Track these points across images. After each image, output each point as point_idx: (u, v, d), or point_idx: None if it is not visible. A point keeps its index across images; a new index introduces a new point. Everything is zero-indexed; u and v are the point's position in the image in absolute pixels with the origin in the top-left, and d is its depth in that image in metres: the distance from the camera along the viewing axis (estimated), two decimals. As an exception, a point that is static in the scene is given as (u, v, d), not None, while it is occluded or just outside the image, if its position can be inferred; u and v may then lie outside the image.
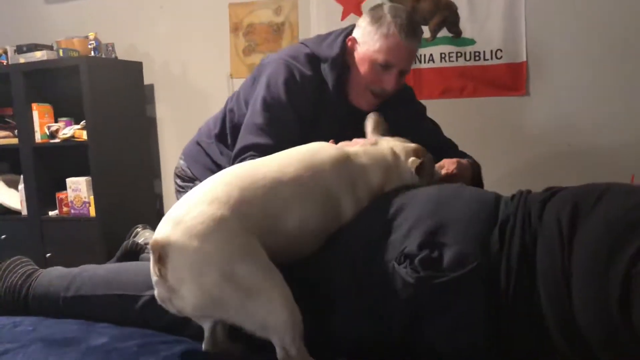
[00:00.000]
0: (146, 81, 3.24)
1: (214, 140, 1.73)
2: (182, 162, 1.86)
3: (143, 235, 1.83)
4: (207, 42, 3.11)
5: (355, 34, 1.55)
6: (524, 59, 2.52)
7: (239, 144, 1.51)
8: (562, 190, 0.99)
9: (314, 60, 1.55)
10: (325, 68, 1.54)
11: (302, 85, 1.51)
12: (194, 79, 3.19)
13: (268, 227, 0.96)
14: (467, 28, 2.60)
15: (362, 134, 1.37)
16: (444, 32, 2.64)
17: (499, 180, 2.61)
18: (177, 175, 1.87)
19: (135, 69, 3.19)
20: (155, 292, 0.93)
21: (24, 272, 1.23)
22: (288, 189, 1.00)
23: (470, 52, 2.61)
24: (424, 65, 2.69)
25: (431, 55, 2.67)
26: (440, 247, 0.93)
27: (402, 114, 1.64)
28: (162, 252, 0.87)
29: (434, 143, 1.54)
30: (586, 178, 2.37)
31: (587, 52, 2.43)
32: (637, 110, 2.37)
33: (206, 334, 0.99)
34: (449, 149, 1.74)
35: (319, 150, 1.11)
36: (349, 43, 1.55)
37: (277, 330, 0.88)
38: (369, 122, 1.35)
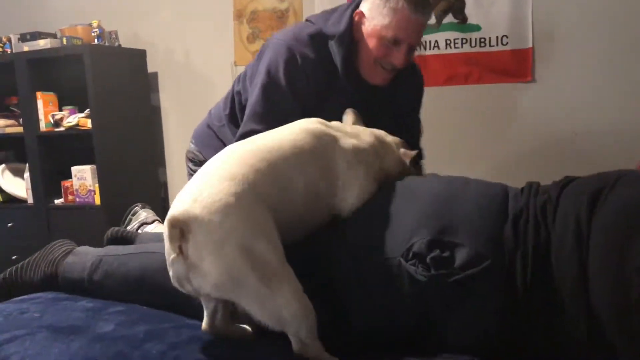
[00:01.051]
0: (150, 69, 3.24)
1: (225, 122, 1.71)
2: (193, 145, 1.84)
3: (142, 215, 1.83)
4: (210, 29, 3.09)
5: (363, 7, 1.51)
6: (530, 45, 2.50)
7: (240, 131, 1.51)
8: (573, 182, 0.97)
9: (319, 38, 1.52)
10: (332, 45, 1.50)
11: (303, 68, 1.48)
12: (198, 67, 3.18)
13: (279, 200, 0.98)
14: (472, 14, 2.57)
15: (374, 111, 1.40)
16: (449, 18, 2.61)
17: (504, 166, 2.61)
18: (190, 159, 1.85)
19: (138, 56, 3.18)
20: (171, 272, 0.92)
21: (62, 252, 1.28)
22: (291, 159, 1.03)
23: (475, 39, 2.58)
24: (429, 52, 2.66)
25: (436, 41, 2.64)
26: (452, 247, 0.92)
27: (408, 100, 1.65)
28: (185, 228, 0.87)
29: (412, 133, 1.63)
30: (592, 165, 2.36)
31: (594, 38, 2.40)
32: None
33: (206, 312, 0.99)
34: (417, 139, 1.73)
35: (310, 122, 1.15)
36: (356, 17, 1.50)
37: (292, 321, 0.88)
38: (348, 118, 1.35)
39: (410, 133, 1.61)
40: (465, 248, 0.91)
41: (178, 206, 0.91)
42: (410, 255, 0.93)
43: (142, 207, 1.83)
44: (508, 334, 0.90)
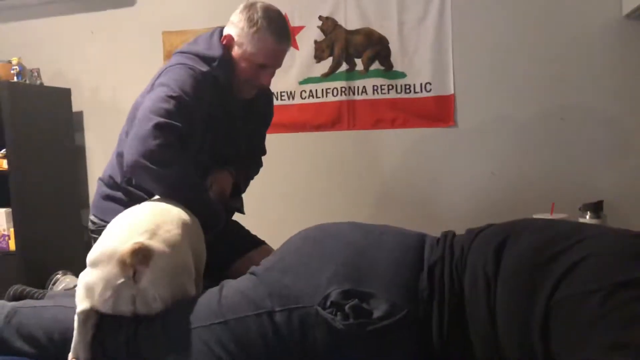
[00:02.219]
0: (75, 108, 3.12)
1: (124, 186, 1.66)
2: (96, 219, 1.75)
3: (64, 282, 1.75)
4: (140, 69, 3.03)
5: (230, 31, 1.63)
6: (452, 92, 2.64)
7: (150, 123, 1.40)
8: (484, 231, 1.00)
9: (202, 60, 1.62)
10: (215, 66, 1.61)
11: (202, 84, 1.56)
12: (126, 106, 3.05)
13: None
14: (398, 61, 2.69)
15: (250, 123, 1.77)
16: (376, 65, 2.72)
17: (426, 207, 2.70)
18: (95, 232, 1.75)
19: (62, 95, 3.07)
20: (112, 296, 1.03)
21: None
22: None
23: (401, 85, 2.70)
24: (357, 97, 2.75)
25: (364, 87, 2.74)
26: (368, 297, 0.93)
27: (259, 116, 1.87)
28: (146, 255, 1.03)
29: (256, 147, 1.92)
30: (510, 206, 2.50)
31: (510, 84, 2.57)
32: (558, 141, 2.52)
33: (83, 339, 1.06)
34: (256, 155, 1.96)
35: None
36: (224, 42, 1.63)
37: None
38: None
39: (258, 147, 1.93)
40: (381, 299, 0.92)
41: (129, 239, 1.05)
42: (328, 303, 0.93)
43: (64, 274, 1.74)
44: None
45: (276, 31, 1.58)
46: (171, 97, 1.45)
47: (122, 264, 1.02)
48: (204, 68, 1.58)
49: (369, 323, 0.90)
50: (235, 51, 1.62)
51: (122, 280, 1.02)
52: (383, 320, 0.90)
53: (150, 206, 1.29)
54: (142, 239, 1.05)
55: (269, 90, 1.91)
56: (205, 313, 1.02)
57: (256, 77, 1.64)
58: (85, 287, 1.07)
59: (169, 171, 1.38)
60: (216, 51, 1.62)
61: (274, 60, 1.64)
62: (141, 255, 1.02)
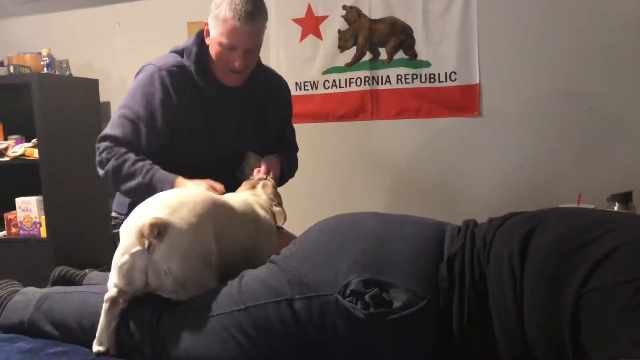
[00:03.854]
0: (102, 99, 3.18)
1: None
2: (115, 214, 1.90)
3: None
4: (165, 59, 3.08)
5: (209, 19, 1.66)
6: (477, 81, 2.60)
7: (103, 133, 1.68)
8: (508, 221, 0.99)
9: (180, 54, 1.69)
10: (187, 58, 1.67)
11: (162, 87, 1.63)
12: (152, 96, 3.14)
13: (221, 240, 1.20)
14: (422, 51, 2.67)
15: (234, 113, 1.73)
16: (400, 55, 2.70)
17: (450, 199, 2.68)
18: (115, 226, 1.85)
19: (90, 86, 3.13)
20: (127, 263, 1.08)
21: (8, 291, 1.26)
22: (236, 215, 1.31)
23: (425, 74, 2.67)
24: (381, 87, 2.74)
25: (388, 77, 2.72)
26: (388, 286, 0.93)
27: (278, 117, 1.92)
28: (162, 230, 1.06)
29: (289, 144, 1.96)
30: (535, 196, 2.46)
31: (537, 74, 2.53)
32: (586, 131, 2.47)
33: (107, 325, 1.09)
34: (287, 147, 1.97)
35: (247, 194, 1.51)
36: (205, 28, 1.67)
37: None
38: (250, 159, 1.72)
39: (288, 141, 1.95)
40: (401, 288, 0.92)
41: (153, 211, 1.10)
42: (348, 292, 0.93)
43: (90, 272, 1.79)
44: None
45: (235, 10, 1.56)
46: (123, 115, 1.64)
47: (140, 235, 1.06)
48: (176, 63, 1.66)
49: (389, 312, 0.90)
50: (209, 37, 1.65)
51: (137, 248, 1.07)
52: (403, 310, 0.90)
53: (185, 188, 1.43)
54: (163, 214, 1.09)
55: (284, 83, 1.93)
56: (226, 301, 1.04)
57: (228, 59, 1.63)
58: (113, 264, 1.11)
59: (104, 172, 1.62)
60: (188, 43, 1.69)
61: (237, 40, 1.60)
62: (157, 229, 1.05)
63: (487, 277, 0.91)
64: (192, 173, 1.57)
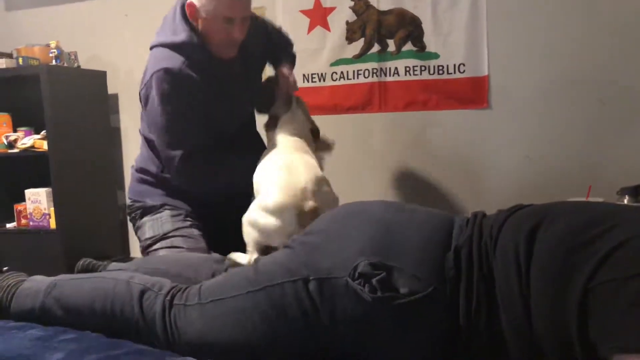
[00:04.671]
0: (110, 90, 3.19)
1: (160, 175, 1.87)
2: (130, 201, 1.96)
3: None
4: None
5: (193, 1, 1.66)
6: (486, 73, 2.59)
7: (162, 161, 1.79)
8: (515, 213, 0.99)
9: (174, 50, 1.69)
10: (186, 50, 1.67)
11: (181, 80, 1.65)
12: (160, 88, 3.14)
13: None
14: (431, 42, 2.65)
15: (241, 83, 1.82)
16: (408, 46, 2.68)
17: (457, 191, 2.67)
18: (131, 212, 1.94)
19: (98, 78, 3.14)
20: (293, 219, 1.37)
21: (8, 284, 1.26)
22: None
23: (434, 66, 2.66)
24: (389, 79, 2.72)
25: (396, 68, 2.71)
26: (395, 271, 0.93)
27: (263, 51, 1.95)
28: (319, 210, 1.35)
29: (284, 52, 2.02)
30: (544, 189, 2.45)
31: (547, 66, 2.51)
32: (596, 124, 2.45)
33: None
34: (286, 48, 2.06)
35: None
36: (189, 10, 1.67)
37: None
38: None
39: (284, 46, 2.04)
40: (409, 274, 0.93)
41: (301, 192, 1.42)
42: (356, 275, 0.94)
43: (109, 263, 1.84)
44: (447, 359, 0.91)
45: None
46: (164, 111, 1.66)
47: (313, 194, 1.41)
48: (178, 60, 1.66)
49: (396, 297, 0.91)
50: (201, 17, 1.66)
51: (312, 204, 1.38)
52: (410, 296, 0.91)
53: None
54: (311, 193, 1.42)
55: (257, 25, 1.91)
56: (242, 283, 1.05)
57: (228, 33, 1.67)
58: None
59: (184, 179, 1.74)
60: (182, 34, 1.68)
61: (234, 10, 1.64)
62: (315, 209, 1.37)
63: (494, 269, 0.91)
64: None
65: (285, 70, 1.87)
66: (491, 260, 0.92)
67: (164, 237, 1.76)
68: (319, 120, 2.78)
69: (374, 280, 0.92)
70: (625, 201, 2.01)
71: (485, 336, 0.89)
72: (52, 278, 1.27)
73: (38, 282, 1.26)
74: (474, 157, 2.65)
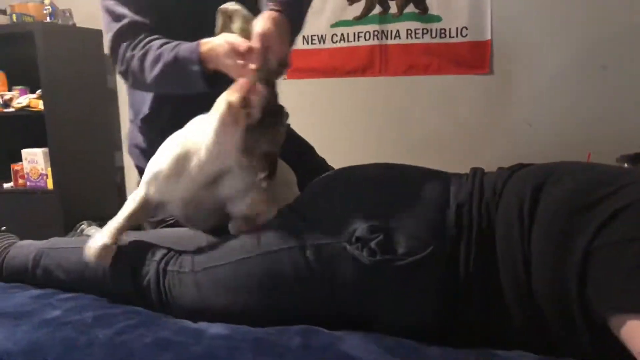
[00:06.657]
0: (107, 50, 3.13)
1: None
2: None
3: (89, 232, 1.76)
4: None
5: None
6: (489, 37, 2.54)
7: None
8: (519, 171, 0.97)
9: None
10: None
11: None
12: (157, 49, 3.09)
13: None
14: (433, 4, 2.60)
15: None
16: (410, 8, 2.63)
17: (457, 157, 2.66)
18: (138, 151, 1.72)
19: (95, 37, 3.07)
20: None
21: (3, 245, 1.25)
22: None
23: (436, 29, 2.61)
24: (390, 41, 2.68)
25: (398, 31, 2.66)
26: (393, 233, 0.93)
27: None
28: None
29: None
30: (544, 156, 2.43)
31: (551, 32, 2.47)
32: (598, 90, 2.43)
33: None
34: None
35: None
36: None
37: None
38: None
39: None
40: (407, 235, 0.92)
41: None
42: (354, 239, 0.94)
43: (89, 225, 1.74)
44: (448, 318, 0.92)
45: None
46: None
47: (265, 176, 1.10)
48: None
49: (395, 259, 0.91)
50: None
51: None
52: (409, 257, 0.91)
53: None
54: None
55: None
56: (236, 251, 1.04)
57: None
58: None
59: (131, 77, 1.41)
60: None
61: None
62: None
63: (496, 224, 0.91)
64: None
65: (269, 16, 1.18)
66: (493, 217, 0.91)
67: None
68: (318, 83, 2.76)
69: (372, 244, 0.91)
70: (624, 169, 2.01)
71: (485, 294, 0.90)
72: (39, 245, 1.24)
73: (25, 248, 1.23)
74: (474, 123, 2.63)
